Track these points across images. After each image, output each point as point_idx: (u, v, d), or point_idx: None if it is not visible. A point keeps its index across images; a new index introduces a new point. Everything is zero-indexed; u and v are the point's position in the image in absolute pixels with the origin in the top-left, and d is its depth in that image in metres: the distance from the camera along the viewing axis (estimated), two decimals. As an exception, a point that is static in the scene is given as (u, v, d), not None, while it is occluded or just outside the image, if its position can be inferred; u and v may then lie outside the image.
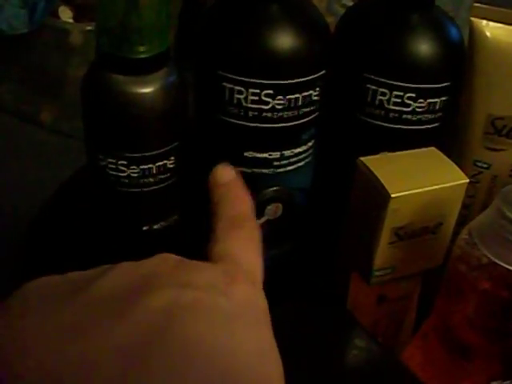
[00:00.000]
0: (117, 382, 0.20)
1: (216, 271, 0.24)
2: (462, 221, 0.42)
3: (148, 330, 0.21)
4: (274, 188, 0.41)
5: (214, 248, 0.26)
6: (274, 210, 0.42)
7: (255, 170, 0.40)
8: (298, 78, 0.38)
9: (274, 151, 0.40)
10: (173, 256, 0.25)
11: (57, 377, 0.20)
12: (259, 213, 0.42)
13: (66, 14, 0.77)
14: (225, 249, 0.26)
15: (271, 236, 0.43)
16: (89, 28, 0.71)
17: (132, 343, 0.20)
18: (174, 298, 0.22)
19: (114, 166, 0.36)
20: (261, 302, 0.25)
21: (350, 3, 0.63)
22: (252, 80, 0.37)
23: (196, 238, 0.32)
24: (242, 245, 0.27)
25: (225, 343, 0.21)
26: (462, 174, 0.39)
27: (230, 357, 0.21)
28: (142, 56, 0.34)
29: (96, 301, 0.22)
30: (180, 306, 0.22)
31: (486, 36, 0.41)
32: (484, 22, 0.41)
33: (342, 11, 0.60)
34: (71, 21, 0.76)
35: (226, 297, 0.23)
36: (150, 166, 0.36)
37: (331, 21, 0.46)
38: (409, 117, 0.42)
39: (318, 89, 0.40)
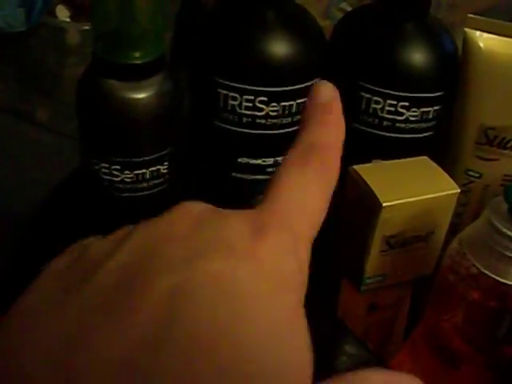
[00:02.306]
0: None
1: (243, 223, 0.20)
2: (454, 229, 0.42)
3: (142, 337, 0.18)
4: (267, 194, 0.41)
5: (269, 189, 0.22)
6: (266, 215, 0.42)
7: (249, 176, 0.40)
8: (293, 86, 0.38)
9: (267, 157, 0.40)
10: (195, 207, 0.21)
11: None
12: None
13: (63, 13, 0.77)
14: (277, 192, 0.21)
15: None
16: (86, 27, 0.71)
17: (132, 353, 0.18)
18: (175, 284, 0.18)
19: (107, 171, 0.36)
20: (296, 265, 0.20)
21: (348, 7, 0.64)
22: (246, 87, 0.38)
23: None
24: (303, 183, 0.21)
25: (242, 328, 0.18)
26: (454, 184, 0.39)
27: (246, 345, 0.18)
28: (137, 62, 0.34)
29: (93, 300, 0.19)
30: (185, 293, 0.18)
31: (480, 47, 0.41)
32: (478, 32, 0.41)
33: (339, 15, 0.60)
34: (68, 20, 0.76)
35: (252, 258, 0.19)
36: (144, 171, 0.36)
37: (328, 24, 0.46)
38: (402, 125, 0.42)
39: (312, 96, 0.40)
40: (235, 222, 0.20)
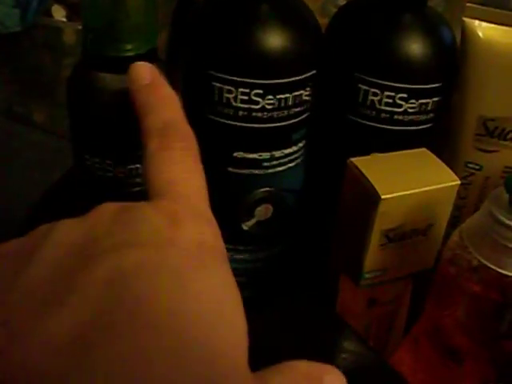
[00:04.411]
0: None
1: (158, 216, 0.22)
2: (454, 222, 0.42)
3: (91, 315, 0.18)
4: (264, 189, 0.41)
5: (152, 182, 0.24)
6: (263, 211, 0.42)
7: (245, 170, 0.40)
8: (289, 78, 0.38)
9: (264, 152, 0.40)
10: (111, 207, 0.23)
11: None
12: (249, 214, 0.41)
13: (59, 13, 0.77)
14: (163, 181, 0.24)
15: (261, 237, 0.43)
16: (82, 27, 0.71)
17: (76, 335, 0.18)
18: (114, 266, 0.19)
19: (100, 166, 0.35)
20: (213, 239, 0.22)
21: (345, 4, 0.63)
22: (242, 79, 0.37)
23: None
24: (180, 167, 0.24)
25: (179, 302, 0.19)
26: (454, 176, 0.38)
27: (187, 316, 0.19)
28: (129, 54, 0.33)
29: (27, 291, 0.19)
30: (122, 274, 0.19)
31: (479, 36, 0.40)
32: (476, 22, 0.41)
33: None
34: (64, 20, 0.76)
35: (174, 245, 0.21)
36: (137, 165, 0.35)
37: (325, 22, 0.45)
38: (400, 117, 0.41)
39: (308, 88, 0.39)
40: (151, 216, 0.22)
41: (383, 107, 0.41)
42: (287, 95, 0.38)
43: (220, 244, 0.23)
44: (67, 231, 0.21)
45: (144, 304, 0.19)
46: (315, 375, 0.22)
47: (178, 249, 0.21)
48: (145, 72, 0.28)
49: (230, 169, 0.40)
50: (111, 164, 0.35)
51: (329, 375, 0.22)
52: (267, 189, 0.41)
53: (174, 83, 0.37)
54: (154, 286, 0.19)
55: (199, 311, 0.19)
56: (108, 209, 0.22)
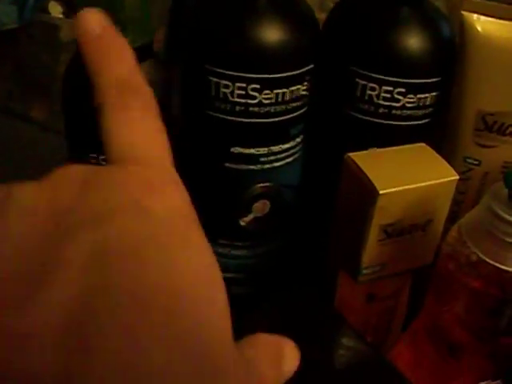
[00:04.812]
0: None
1: (132, 183, 0.20)
2: (453, 217, 0.41)
3: (85, 294, 0.17)
4: (262, 184, 0.41)
5: (113, 145, 0.22)
6: (261, 206, 0.41)
7: (242, 166, 0.40)
8: (286, 72, 0.37)
9: (261, 147, 0.39)
10: (76, 170, 0.20)
11: None
12: (246, 210, 0.41)
13: (56, 10, 0.77)
14: (126, 144, 0.22)
15: (259, 233, 0.43)
16: (79, 23, 0.70)
17: (73, 316, 0.17)
18: (93, 244, 0.18)
19: (95, 162, 0.35)
20: (185, 204, 0.21)
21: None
22: (238, 74, 0.37)
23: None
24: (142, 128, 0.22)
25: (164, 274, 0.18)
26: (452, 171, 0.38)
27: (174, 289, 0.18)
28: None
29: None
30: (103, 251, 0.18)
31: (477, 30, 0.40)
32: (475, 15, 0.40)
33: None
34: (61, 16, 0.76)
35: (150, 215, 0.19)
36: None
37: (323, 17, 0.45)
38: (398, 112, 0.41)
39: (306, 83, 0.39)
40: (124, 183, 0.20)
41: (381, 102, 0.41)
42: (284, 90, 0.38)
43: (191, 209, 0.21)
44: (30, 200, 0.19)
45: (130, 279, 0.18)
46: (280, 346, 0.24)
47: (155, 218, 0.19)
48: (95, 21, 0.24)
49: (227, 164, 0.40)
50: (106, 159, 0.35)
51: (287, 347, 0.25)
52: (264, 184, 0.41)
53: (172, 80, 0.37)
54: (138, 260, 0.18)
55: (184, 283, 0.19)
56: (73, 173, 0.20)
